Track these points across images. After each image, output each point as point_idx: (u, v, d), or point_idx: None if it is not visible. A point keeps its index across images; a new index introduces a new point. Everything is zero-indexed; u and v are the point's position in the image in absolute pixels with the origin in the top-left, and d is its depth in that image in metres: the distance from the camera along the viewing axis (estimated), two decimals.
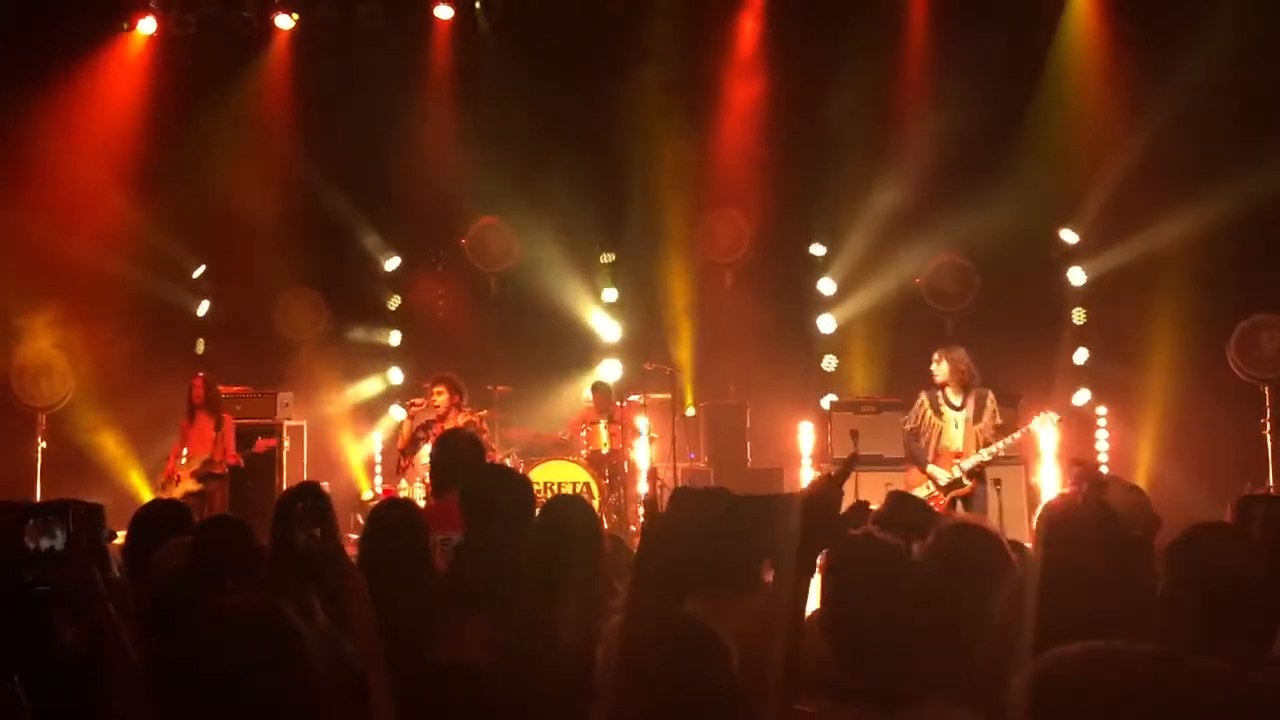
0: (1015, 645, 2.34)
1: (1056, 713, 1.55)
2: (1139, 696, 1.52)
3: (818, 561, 2.75)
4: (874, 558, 2.63)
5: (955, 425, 8.06)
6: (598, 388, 11.10)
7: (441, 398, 9.34)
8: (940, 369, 8.16)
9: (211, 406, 9.83)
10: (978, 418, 8.03)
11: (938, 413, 8.14)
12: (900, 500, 4.43)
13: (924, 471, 8.10)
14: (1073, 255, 11.70)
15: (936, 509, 6.74)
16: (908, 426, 8.27)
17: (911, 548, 3.02)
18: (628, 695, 2.22)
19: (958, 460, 8.00)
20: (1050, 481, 10.26)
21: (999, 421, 8.06)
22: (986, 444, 7.97)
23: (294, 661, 2.39)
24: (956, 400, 8.12)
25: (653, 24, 11.97)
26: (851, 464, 2.74)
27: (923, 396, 8.24)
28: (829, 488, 2.59)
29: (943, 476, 8.00)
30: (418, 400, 9.82)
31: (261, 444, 10.08)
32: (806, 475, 11.09)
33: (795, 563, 2.63)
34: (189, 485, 9.45)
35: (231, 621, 2.38)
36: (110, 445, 11.26)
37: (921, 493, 7.59)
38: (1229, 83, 10.16)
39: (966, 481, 8.01)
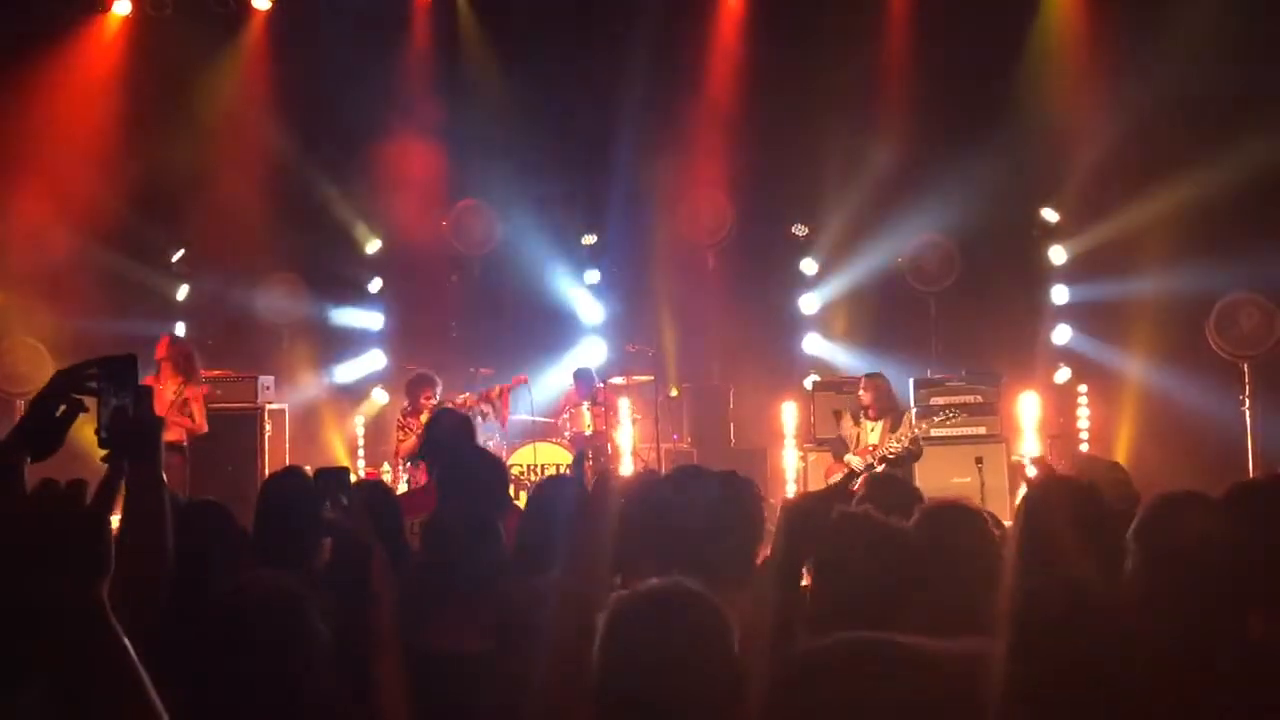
0: (994, 619, 2.34)
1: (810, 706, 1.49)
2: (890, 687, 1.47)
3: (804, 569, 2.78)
4: (871, 535, 2.64)
5: (872, 430, 9.31)
6: (579, 375, 11.07)
7: (430, 400, 9.50)
8: (866, 395, 9.35)
9: (176, 366, 9.30)
10: (894, 428, 9.17)
11: (857, 423, 9.44)
12: (884, 482, 4.48)
13: (842, 460, 9.28)
14: (1053, 234, 11.74)
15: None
16: (838, 434, 9.67)
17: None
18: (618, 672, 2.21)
19: (872, 451, 9.13)
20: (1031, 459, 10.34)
21: (914, 430, 9.15)
22: (900, 444, 9.07)
23: (300, 642, 2.39)
24: (875, 414, 9.34)
25: (635, 4, 11.94)
26: (843, 493, 2.79)
27: (846, 414, 9.64)
28: (814, 500, 2.62)
29: (857, 463, 9.13)
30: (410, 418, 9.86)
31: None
32: (790, 456, 11.13)
33: (779, 574, 2.64)
34: None
35: (244, 602, 2.39)
36: (89, 430, 11.16)
37: (837, 479, 8.87)
38: (1209, 61, 10.19)
39: (878, 468, 8.95)
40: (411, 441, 9.51)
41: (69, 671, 1.39)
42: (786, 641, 2.61)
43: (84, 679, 1.40)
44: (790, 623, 2.68)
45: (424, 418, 9.77)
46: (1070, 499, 3.17)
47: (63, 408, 2.10)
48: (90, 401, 2.17)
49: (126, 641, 1.43)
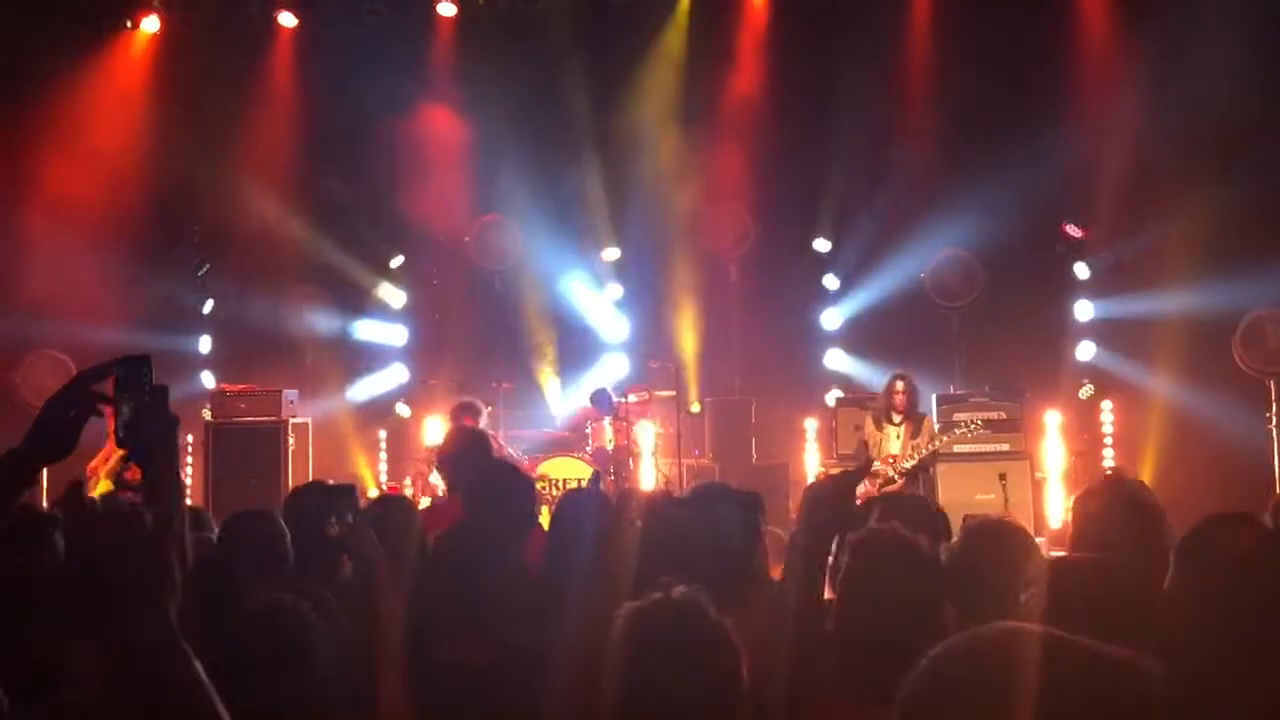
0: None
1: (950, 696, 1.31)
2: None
3: (829, 556, 2.77)
4: (895, 552, 2.63)
5: (896, 437, 9.44)
6: (596, 396, 11.04)
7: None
8: (902, 393, 9.47)
9: None
10: (915, 434, 9.36)
11: (879, 427, 9.52)
12: (898, 501, 4.51)
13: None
14: (1078, 249, 11.68)
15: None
16: (860, 439, 9.76)
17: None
18: (630, 688, 2.21)
19: (892, 462, 9.27)
20: (1055, 476, 10.29)
21: (935, 443, 9.38)
22: (919, 454, 9.27)
23: (303, 659, 2.38)
24: (897, 418, 9.44)
25: (656, 18, 11.98)
26: (866, 468, 2.77)
27: (868, 417, 9.65)
28: (836, 482, 2.60)
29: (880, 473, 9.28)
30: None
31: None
32: (812, 471, 11.10)
33: (802, 557, 2.63)
34: (105, 486, 8.04)
35: (246, 619, 2.39)
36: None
37: (859, 490, 8.55)
38: (1236, 74, 10.12)
39: (897, 479, 9.22)
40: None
41: (142, 697, 1.38)
42: (813, 624, 2.59)
43: (157, 705, 1.38)
44: (818, 606, 2.66)
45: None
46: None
47: (73, 412, 2.11)
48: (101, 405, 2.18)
49: (198, 665, 1.42)
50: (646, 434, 10.82)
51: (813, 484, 2.69)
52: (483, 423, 9.74)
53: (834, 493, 2.67)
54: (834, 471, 9.80)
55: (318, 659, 2.48)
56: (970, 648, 1.33)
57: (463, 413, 9.70)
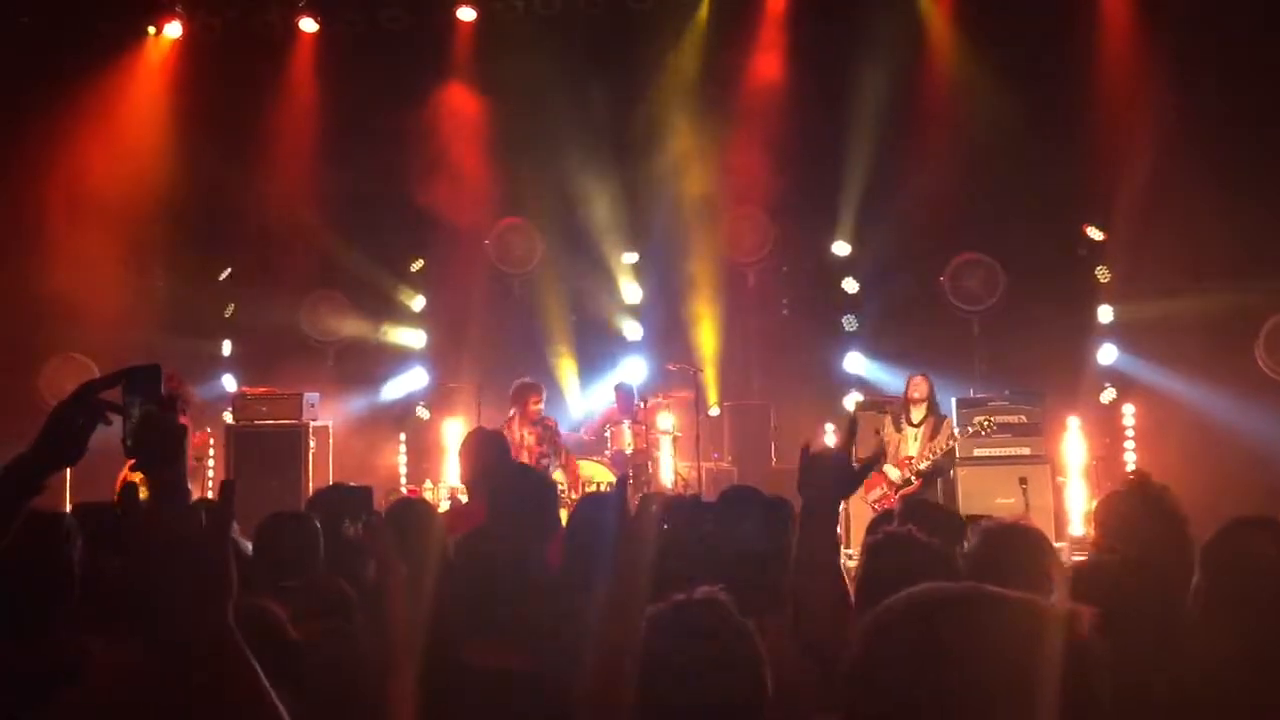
0: None
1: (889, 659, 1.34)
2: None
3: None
4: (912, 555, 2.63)
5: (914, 439, 9.50)
6: (620, 388, 11.09)
7: (538, 405, 9.34)
8: (922, 388, 9.57)
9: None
10: (932, 436, 9.42)
11: (898, 428, 9.58)
12: (919, 505, 4.49)
13: (881, 472, 9.41)
14: (1099, 252, 11.62)
15: (888, 503, 8.84)
16: (879, 438, 9.66)
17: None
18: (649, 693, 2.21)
19: (909, 464, 9.36)
20: (1076, 480, 10.25)
21: (951, 441, 9.45)
22: (934, 455, 9.36)
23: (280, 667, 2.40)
24: (916, 418, 9.52)
25: (676, 23, 11.99)
26: (853, 427, 2.68)
27: (887, 418, 9.67)
28: (834, 450, 2.55)
29: (895, 475, 9.38)
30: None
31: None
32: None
33: (813, 520, 2.57)
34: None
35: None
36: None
37: (876, 493, 9.33)
38: (1259, 77, 10.08)
39: (914, 480, 9.33)
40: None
41: (200, 696, 1.39)
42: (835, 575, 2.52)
43: (218, 704, 1.40)
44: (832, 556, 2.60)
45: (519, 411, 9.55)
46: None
47: (81, 420, 2.13)
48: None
49: (256, 665, 1.44)
50: (665, 438, 10.82)
51: (806, 463, 2.59)
52: (543, 400, 9.68)
53: (832, 466, 2.60)
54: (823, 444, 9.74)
55: (289, 665, 2.50)
56: (902, 609, 1.39)
57: (527, 391, 9.59)
